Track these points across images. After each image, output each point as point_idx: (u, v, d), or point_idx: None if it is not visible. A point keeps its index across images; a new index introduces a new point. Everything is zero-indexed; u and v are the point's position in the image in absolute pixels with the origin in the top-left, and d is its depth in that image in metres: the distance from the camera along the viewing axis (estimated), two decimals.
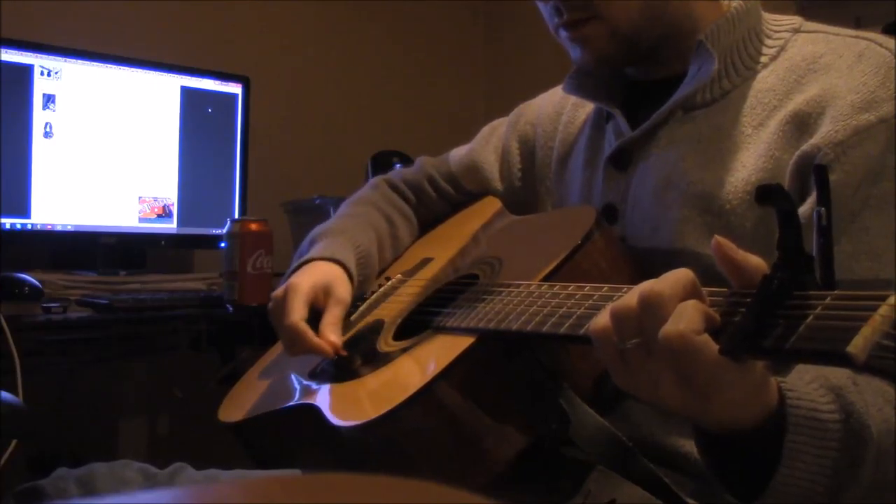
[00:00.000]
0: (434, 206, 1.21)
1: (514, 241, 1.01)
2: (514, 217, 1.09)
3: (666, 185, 0.89)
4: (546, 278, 0.81)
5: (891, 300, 0.50)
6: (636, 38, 0.91)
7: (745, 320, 0.56)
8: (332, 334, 0.95)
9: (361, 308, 1.04)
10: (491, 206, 1.13)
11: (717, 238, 0.60)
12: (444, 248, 1.09)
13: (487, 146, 1.17)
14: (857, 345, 0.48)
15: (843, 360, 0.49)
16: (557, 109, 1.10)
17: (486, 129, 1.20)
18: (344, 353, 0.94)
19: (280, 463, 0.98)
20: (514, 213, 1.10)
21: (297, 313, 0.95)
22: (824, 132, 0.80)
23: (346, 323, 1.02)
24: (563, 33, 0.93)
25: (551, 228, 0.98)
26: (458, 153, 1.20)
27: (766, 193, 0.57)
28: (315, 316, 0.97)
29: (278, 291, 0.99)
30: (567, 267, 0.82)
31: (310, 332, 0.94)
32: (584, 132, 1.04)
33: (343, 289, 1.00)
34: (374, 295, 1.06)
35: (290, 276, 1.03)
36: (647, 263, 0.86)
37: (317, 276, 1.01)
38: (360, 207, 1.17)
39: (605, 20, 0.89)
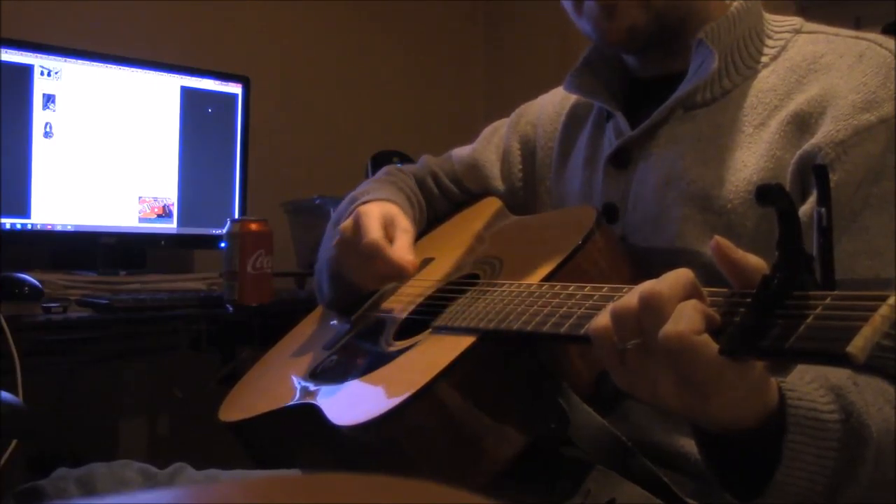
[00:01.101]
0: (436, 203, 1.21)
1: (514, 241, 1.01)
2: (514, 217, 1.09)
3: (666, 184, 0.89)
4: (547, 278, 0.81)
5: (891, 300, 0.50)
6: (666, 11, 0.90)
7: (744, 320, 0.56)
8: (407, 254, 0.95)
9: (363, 307, 1.04)
10: (491, 206, 1.13)
11: (717, 238, 0.60)
12: (444, 248, 1.09)
13: (489, 146, 1.17)
14: (857, 345, 0.48)
15: (843, 361, 0.49)
16: (558, 109, 1.10)
17: (487, 130, 1.20)
18: (415, 272, 0.96)
19: (280, 463, 0.98)
20: (515, 213, 1.10)
21: (375, 231, 0.96)
22: (825, 132, 0.80)
23: (350, 322, 1.02)
24: (590, 2, 0.91)
25: (552, 228, 0.98)
26: (460, 152, 1.20)
27: (765, 193, 0.57)
28: None
29: (346, 223, 1.01)
30: (568, 267, 0.82)
31: (389, 249, 0.95)
32: (585, 131, 1.04)
33: (405, 220, 1.02)
34: (376, 295, 1.06)
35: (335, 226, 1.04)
36: (648, 262, 0.86)
37: (380, 208, 1.02)
38: (381, 183, 1.17)
39: None
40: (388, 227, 0.99)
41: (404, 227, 1.00)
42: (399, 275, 0.95)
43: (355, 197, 1.10)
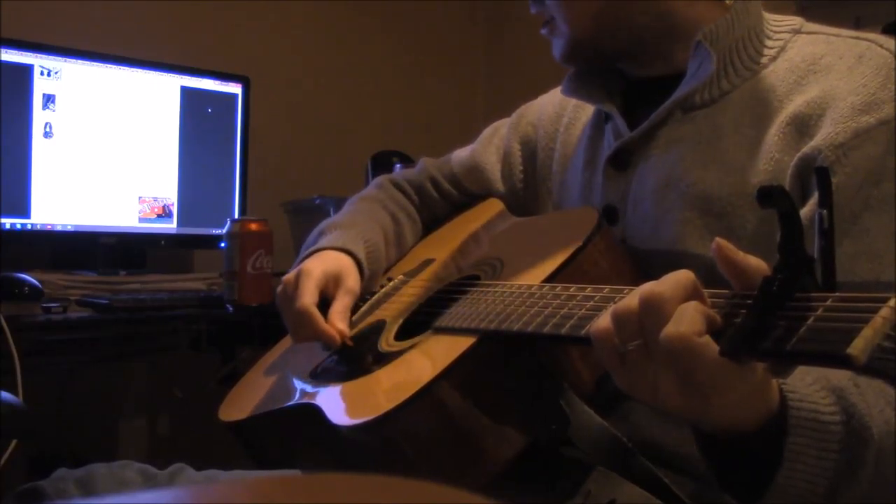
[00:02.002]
0: (436, 207, 1.21)
1: (515, 243, 1.01)
2: (515, 219, 1.09)
3: (666, 186, 0.89)
4: (547, 280, 0.81)
5: (892, 302, 0.50)
6: (594, 43, 0.93)
7: (745, 321, 0.56)
8: (340, 322, 0.95)
9: (363, 308, 1.04)
10: (493, 207, 1.13)
11: (718, 240, 0.60)
12: (445, 249, 1.09)
13: (489, 147, 1.17)
14: (858, 346, 0.48)
15: (844, 362, 0.49)
16: (558, 110, 1.10)
17: (487, 131, 1.20)
18: (350, 342, 0.94)
19: (280, 463, 0.98)
20: (517, 214, 1.10)
21: (309, 297, 0.95)
22: (824, 134, 0.80)
23: (349, 322, 1.02)
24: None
25: (553, 230, 0.98)
26: (460, 154, 1.20)
27: (767, 195, 0.57)
28: (324, 304, 0.98)
29: (290, 275, 1.00)
30: (568, 269, 0.82)
31: (319, 318, 0.94)
32: (585, 133, 1.04)
33: (353, 279, 1.01)
34: (376, 295, 1.06)
35: (299, 265, 1.03)
36: (648, 265, 0.86)
37: (328, 264, 1.01)
38: (367, 204, 1.18)
39: (560, 23, 0.93)
40: (331, 286, 0.99)
41: (348, 288, 0.99)
42: (327, 344, 0.95)
43: (323, 231, 1.10)
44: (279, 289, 1.01)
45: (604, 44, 0.93)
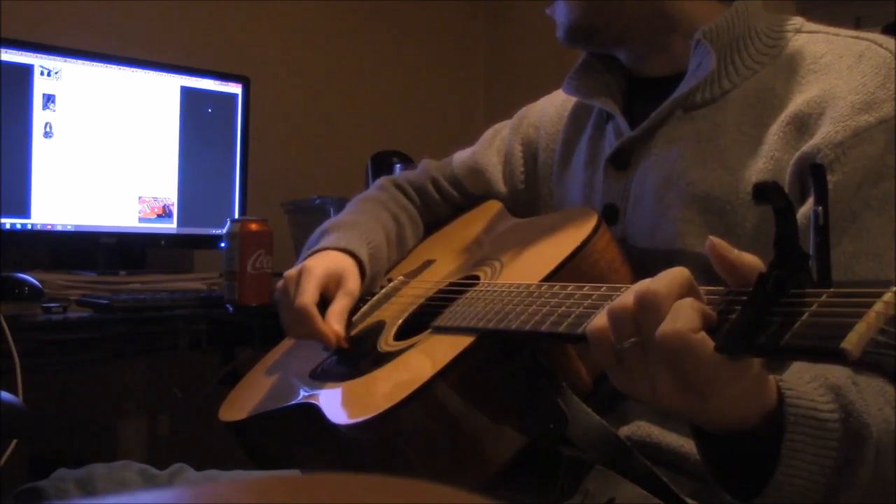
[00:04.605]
0: (437, 208, 1.21)
1: (515, 244, 1.01)
2: (515, 219, 1.09)
3: (666, 185, 0.89)
4: (546, 280, 0.81)
5: (885, 297, 0.50)
6: (590, 27, 0.95)
7: (740, 318, 0.56)
8: (337, 323, 0.95)
9: (363, 308, 1.04)
10: (492, 208, 1.13)
11: (711, 238, 0.60)
12: (445, 250, 1.09)
13: (490, 149, 1.17)
14: (852, 341, 0.49)
15: (838, 357, 0.49)
16: (560, 111, 1.10)
17: (488, 133, 1.20)
18: (345, 344, 0.94)
19: (280, 463, 0.98)
20: (518, 215, 1.10)
21: (309, 295, 0.96)
22: (824, 133, 0.80)
23: (349, 322, 1.02)
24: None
25: (552, 231, 0.98)
26: (461, 156, 1.20)
27: (762, 191, 0.57)
28: (324, 304, 0.98)
29: (291, 272, 1.00)
30: (566, 269, 0.82)
31: (317, 317, 0.95)
32: (586, 132, 1.04)
33: (353, 281, 1.02)
34: (377, 296, 1.06)
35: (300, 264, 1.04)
36: (648, 264, 0.86)
37: (331, 263, 1.02)
38: (369, 205, 1.18)
39: (559, 5, 0.96)
40: (332, 286, 0.99)
41: (348, 290, 1.00)
42: (322, 343, 0.96)
43: (326, 230, 1.10)
44: (279, 283, 1.02)
45: (599, 29, 0.95)
